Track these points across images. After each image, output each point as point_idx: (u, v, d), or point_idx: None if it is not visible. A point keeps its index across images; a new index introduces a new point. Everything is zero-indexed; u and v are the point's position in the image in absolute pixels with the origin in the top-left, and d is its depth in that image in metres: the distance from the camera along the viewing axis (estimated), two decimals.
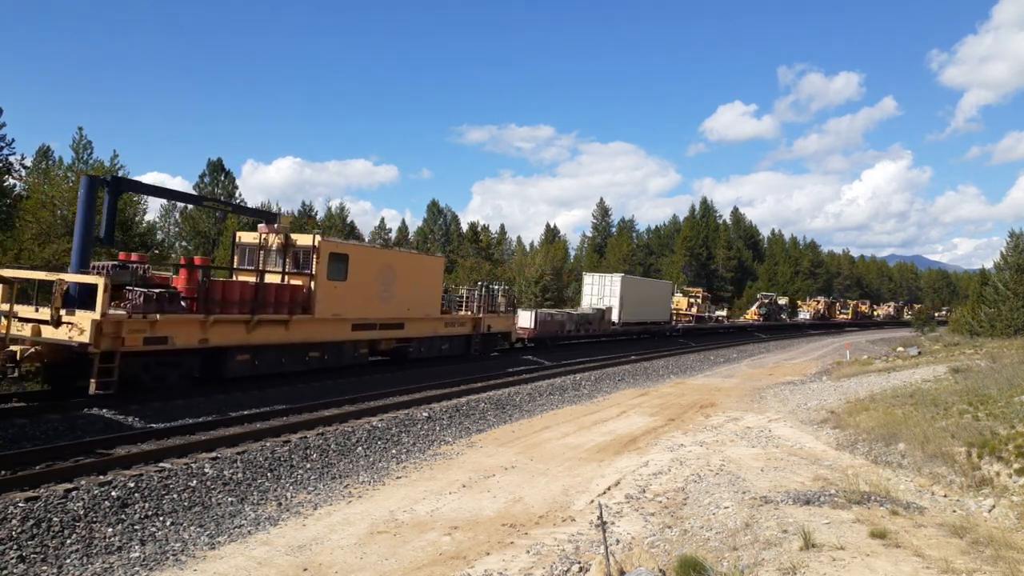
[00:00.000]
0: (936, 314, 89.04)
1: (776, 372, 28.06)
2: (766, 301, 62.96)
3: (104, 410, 11.59)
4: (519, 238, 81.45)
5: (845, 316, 79.94)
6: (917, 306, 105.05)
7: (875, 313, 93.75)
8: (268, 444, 10.70)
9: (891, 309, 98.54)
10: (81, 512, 7.50)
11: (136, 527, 7.54)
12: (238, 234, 17.90)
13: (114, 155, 28.60)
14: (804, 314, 72.06)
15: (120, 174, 28.07)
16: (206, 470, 9.20)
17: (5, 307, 11.14)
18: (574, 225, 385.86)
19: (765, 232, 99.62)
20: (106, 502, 7.80)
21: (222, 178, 48.20)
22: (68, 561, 6.67)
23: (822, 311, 74.16)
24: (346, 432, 11.91)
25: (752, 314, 61.09)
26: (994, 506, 8.57)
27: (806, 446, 12.57)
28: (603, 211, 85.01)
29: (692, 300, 53.57)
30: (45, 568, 6.51)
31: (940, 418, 12.31)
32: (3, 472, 8.31)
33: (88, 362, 12.00)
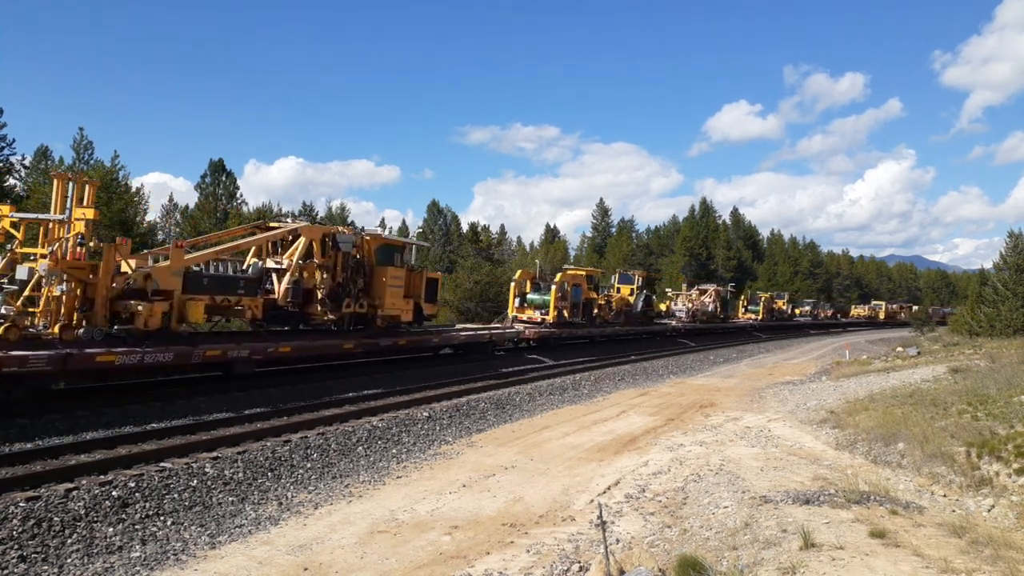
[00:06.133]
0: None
1: (775, 372, 28.07)
2: None
3: (107, 409, 11.59)
4: (519, 238, 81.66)
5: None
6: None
7: (662, 308, 42.62)
8: (269, 444, 10.71)
9: (708, 298, 45.30)
10: (82, 512, 7.51)
11: (137, 527, 7.55)
12: None
13: (115, 156, 28.65)
14: None
15: (121, 175, 28.09)
16: (207, 470, 9.21)
17: None
18: (575, 225, 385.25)
19: (765, 232, 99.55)
20: (107, 502, 7.81)
21: (223, 178, 48.19)
22: (69, 561, 6.68)
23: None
24: (346, 432, 11.92)
25: None
26: (993, 506, 8.60)
27: (805, 446, 12.59)
28: (603, 211, 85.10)
29: None
30: (46, 568, 6.53)
31: (939, 418, 12.33)
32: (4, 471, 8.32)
33: None
